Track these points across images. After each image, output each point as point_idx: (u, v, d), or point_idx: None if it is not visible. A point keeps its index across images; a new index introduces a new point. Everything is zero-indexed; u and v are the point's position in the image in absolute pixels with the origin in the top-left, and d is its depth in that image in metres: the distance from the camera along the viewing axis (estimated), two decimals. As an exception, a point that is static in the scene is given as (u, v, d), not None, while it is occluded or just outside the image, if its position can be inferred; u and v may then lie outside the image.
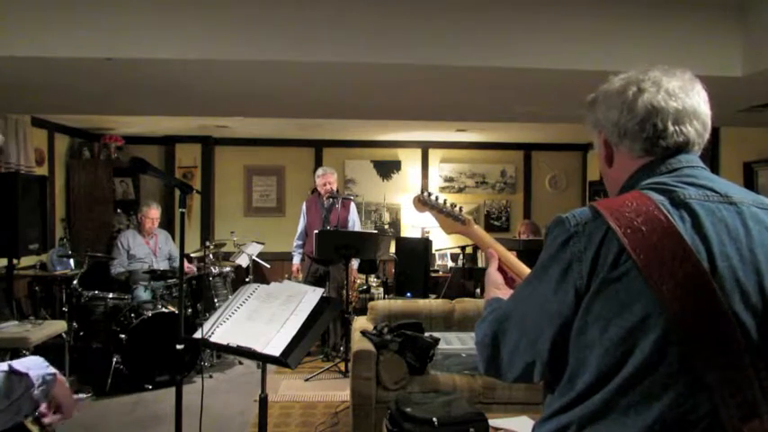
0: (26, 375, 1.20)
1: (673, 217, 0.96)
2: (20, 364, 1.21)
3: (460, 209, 1.57)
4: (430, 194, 1.60)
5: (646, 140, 1.07)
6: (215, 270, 5.45)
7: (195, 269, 5.54)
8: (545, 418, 1.06)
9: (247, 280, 5.43)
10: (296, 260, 5.74)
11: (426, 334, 3.73)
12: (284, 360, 2.13)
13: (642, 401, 0.94)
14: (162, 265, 5.41)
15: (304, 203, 5.82)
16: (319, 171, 5.62)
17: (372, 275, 6.26)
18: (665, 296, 0.91)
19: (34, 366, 1.23)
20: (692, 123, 1.07)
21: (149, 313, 4.58)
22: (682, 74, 1.09)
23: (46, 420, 1.26)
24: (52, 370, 1.25)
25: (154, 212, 5.47)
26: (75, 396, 1.33)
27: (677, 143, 1.06)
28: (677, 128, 1.06)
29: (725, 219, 0.97)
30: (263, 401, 2.41)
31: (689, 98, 1.07)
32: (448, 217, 1.55)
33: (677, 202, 0.99)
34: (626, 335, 0.94)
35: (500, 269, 1.37)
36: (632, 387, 0.94)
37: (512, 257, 1.39)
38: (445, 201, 1.58)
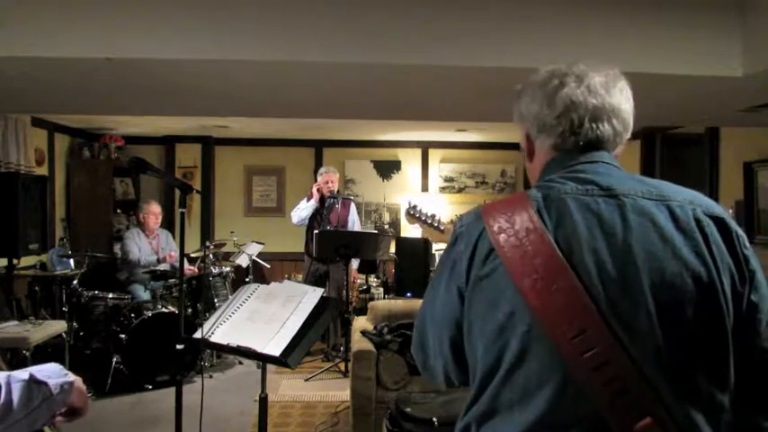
0: (45, 384, 1.16)
1: (542, 213, 0.96)
2: (39, 373, 1.17)
3: (439, 219, 1.81)
4: (414, 207, 1.83)
5: (560, 135, 1.05)
6: (215, 270, 5.46)
7: (195, 270, 5.54)
8: (460, 419, 1.04)
9: (247, 280, 5.43)
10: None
11: (426, 334, 3.72)
12: (284, 360, 2.14)
13: (522, 398, 0.92)
14: (162, 265, 5.42)
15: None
16: (322, 170, 5.63)
17: (372, 275, 6.26)
18: (526, 291, 0.91)
19: (53, 375, 1.20)
20: (611, 121, 1.04)
21: (149, 313, 4.58)
22: (607, 69, 1.07)
23: (57, 420, 1.24)
24: (70, 378, 1.22)
25: (155, 208, 5.48)
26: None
27: (589, 140, 1.03)
28: (593, 125, 1.03)
29: (600, 212, 0.95)
30: (263, 401, 2.42)
31: (609, 95, 1.04)
32: (429, 227, 1.77)
33: (552, 198, 0.98)
34: (498, 330, 0.94)
35: None
36: (509, 383, 0.93)
37: None
38: (428, 213, 1.81)
